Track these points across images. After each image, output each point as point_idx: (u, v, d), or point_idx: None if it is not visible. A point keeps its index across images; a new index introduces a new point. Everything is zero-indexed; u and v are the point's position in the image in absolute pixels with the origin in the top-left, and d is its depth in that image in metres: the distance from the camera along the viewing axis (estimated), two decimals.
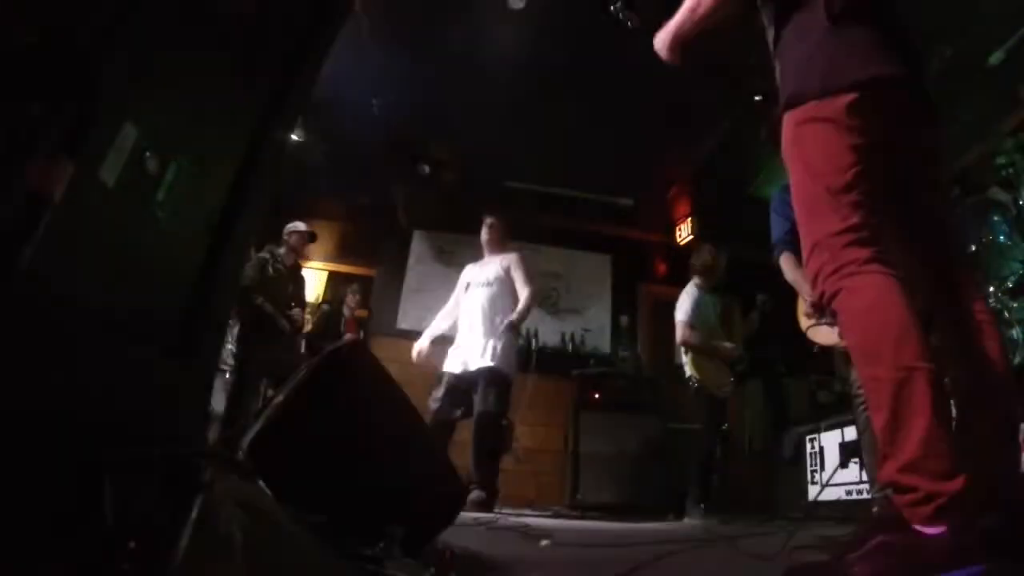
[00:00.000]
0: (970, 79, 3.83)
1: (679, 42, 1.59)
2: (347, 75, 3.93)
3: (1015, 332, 2.66)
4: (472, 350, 3.67)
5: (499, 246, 4.06)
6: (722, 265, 4.30)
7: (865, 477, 3.20)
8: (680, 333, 4.03)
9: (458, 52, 4.42)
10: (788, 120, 1.29)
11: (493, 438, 3.53)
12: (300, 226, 4.80)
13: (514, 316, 3.72)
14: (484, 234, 4.10)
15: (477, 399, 3.54)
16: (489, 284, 3.87)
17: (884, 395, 1.02)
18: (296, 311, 4.65)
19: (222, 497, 0.65)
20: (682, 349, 4.09)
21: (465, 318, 3.85)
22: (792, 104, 1.28)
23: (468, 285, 3.98)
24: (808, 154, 1.24)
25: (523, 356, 4.59)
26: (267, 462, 1.03)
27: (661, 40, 1.63)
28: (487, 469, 3.44)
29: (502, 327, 3.68)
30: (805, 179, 1.25)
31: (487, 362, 3.60)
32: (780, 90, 1.35)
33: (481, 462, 3.43)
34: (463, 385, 3.63)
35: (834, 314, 1.17)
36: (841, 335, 1.22)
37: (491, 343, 3.67)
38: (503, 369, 3.63)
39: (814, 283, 1.20)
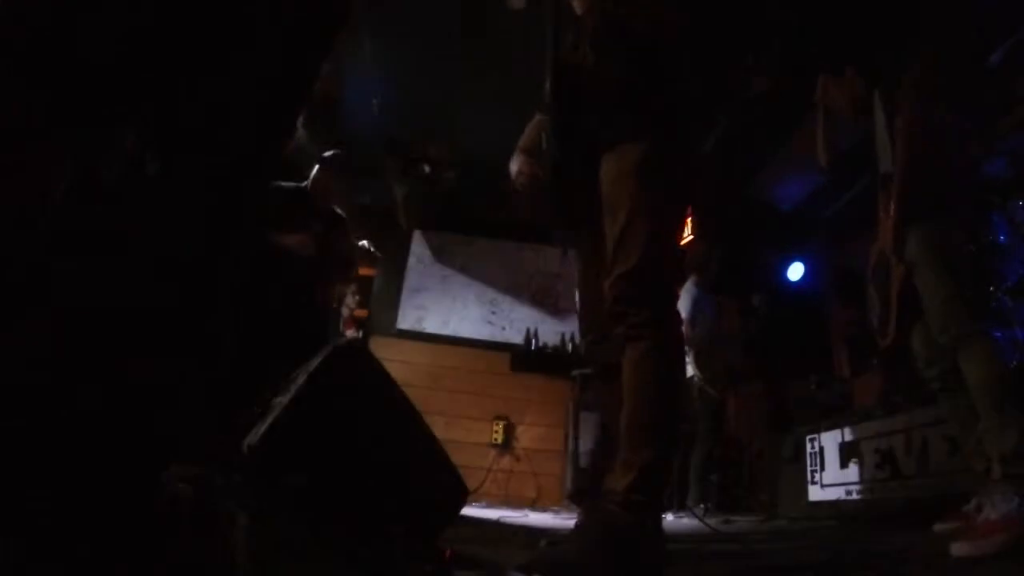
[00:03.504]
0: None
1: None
2: (346, 74, 3.92)
3: (1017, 332, 2.66)
4: None
5: None
6: (715, 260, 4.33)
7: (864, 477, 3.20)
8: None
9: (459, 52, 4.41)
10: None
11: None
12: None
13: None
14: None
15: None
16: None
17: None
18: None
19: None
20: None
21: None
22: None
23: None
24: None
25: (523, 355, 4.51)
26: (271, 462, 1.03)
27: None
28: None
29: None
30: None
31: None
32: None
33: None
34: None
35: None
36: None
37: None
38: None
39: None
